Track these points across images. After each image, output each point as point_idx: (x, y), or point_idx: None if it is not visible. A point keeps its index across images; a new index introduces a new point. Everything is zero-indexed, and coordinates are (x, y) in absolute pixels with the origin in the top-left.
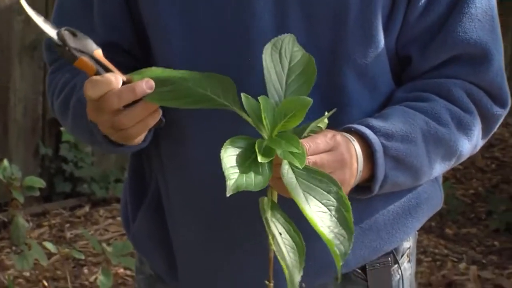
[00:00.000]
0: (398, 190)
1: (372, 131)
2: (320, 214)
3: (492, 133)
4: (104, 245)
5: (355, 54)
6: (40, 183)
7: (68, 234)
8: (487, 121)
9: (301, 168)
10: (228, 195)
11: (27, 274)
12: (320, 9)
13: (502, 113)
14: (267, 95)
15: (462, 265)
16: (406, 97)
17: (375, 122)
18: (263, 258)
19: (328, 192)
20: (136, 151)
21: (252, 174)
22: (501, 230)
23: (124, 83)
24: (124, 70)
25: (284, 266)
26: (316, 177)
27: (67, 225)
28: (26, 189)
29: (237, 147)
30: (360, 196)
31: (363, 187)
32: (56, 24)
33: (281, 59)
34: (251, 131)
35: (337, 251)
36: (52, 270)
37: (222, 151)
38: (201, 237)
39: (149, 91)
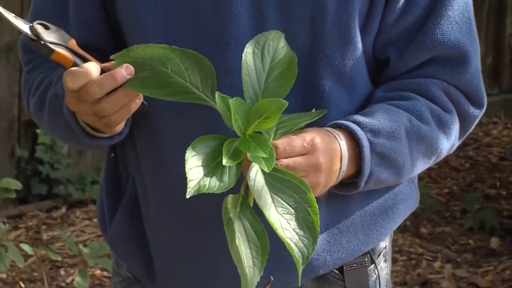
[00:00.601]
0: (379, 187)
1: (359, 126)
2: (286, 216)
3: (467, 134)
4: (80, 246)
5: (332, 56)
6: (16, 185)
7: (44, 236)
8: (464, 121)
9: (267, 172)
10: (187, 196)
11: (3, 276)
12: (297, 10)
13: (479, 114)
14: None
15: (437, 264)
16: (387, 96)
17: (362, 118)
18: None
19: (297, 194)
20: (111, 153)
21: (216, 176)
22: (475, 229)
23: (102, 70)
24: None
25: (239, 268)
26: (285, 178)
27: (44, 226)
28: (2, 191)
29: (206, 146)
30: (344, 193)
31: (348, 183)
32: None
33: (263, 56)
34: (228, 128)
35: (298, 255)
36: (29, 272)
37: (188, 151)
38: (179, 239)
39: (129, 77)
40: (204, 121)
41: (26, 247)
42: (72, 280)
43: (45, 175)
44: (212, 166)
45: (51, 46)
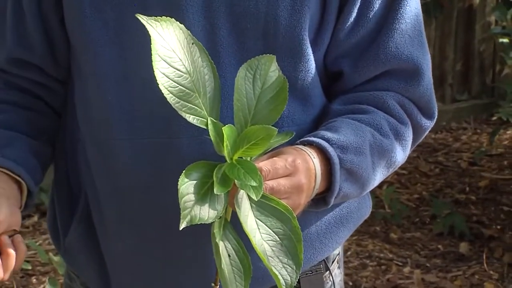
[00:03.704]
0: (343, 201)
1: (329, 143)
2: (270, 243)
3: (417, 144)
4: (51, 254)
5: (285, 68)
6: None
7: None
8: (416, 132)
9: (256, 200)
10: (181, 228)
11: None
12: (249, 23)
13: (430, 125)
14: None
15: (406, 269)
16: (345, 109)
17: (330, 134)
18: (200, 269)
19: (281, 221)
20: (60, 166)
21: (208, 204)
22: (444, 234)
23: None
24: (32, 86)
25: None
26: (270, 205)
27: None
28: None
29: (196, 173)
30: (313, 209)
31: (317, 200)
32: None
33: (255, 81)
34: (183, 143)
35: (282, 283)
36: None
37: (180, 179)
38: (135, 249)
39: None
40: (158, 137)
41: None
42: None
43: None
44: (201, 193)
45: None
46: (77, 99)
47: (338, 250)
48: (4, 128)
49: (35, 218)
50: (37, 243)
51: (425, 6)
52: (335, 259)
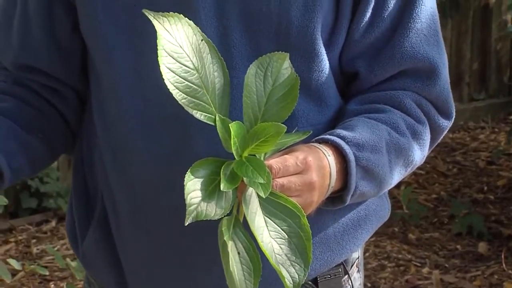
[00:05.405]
0: (361, 200)
1: (344, 141)
2: (278, 241)
3: (435, 144)
4: (68, 260)
5: (298, 68)
6: (2, 200)
7: (34, 250)
8: (434, 132)
9: (264, 197)
10: (186, 223)
11: None
12: (262, 23)
13: (448, 124)
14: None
15: (425, 270)
16: (361, 109)
17: (345, 132)
18: (218, 271)
19: (290, 219)
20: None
21: (214, 202)
22: (463, 234)
23: None
24: (40, 88)
25: None
26: (280, 202)
27: (34, 240)
28: None
29: (204, 169)
30: (330, 208)
31: (333, 198)
32: None
33: (265, 78)
34: (198, 146)
35: (289, 281)
36: (19, 286)
37: (186, 175)
38: (151, 254)
39: None
40: (174, 141)
41: (13, 262)
42: None
43: (35, 189)
44: (209, 190)
45: None
46: (94, 104)
47: (358, 253)
48: None
49: (53, 224)
50: (55, 248)
51: (441, 6)
52: (354, 262)
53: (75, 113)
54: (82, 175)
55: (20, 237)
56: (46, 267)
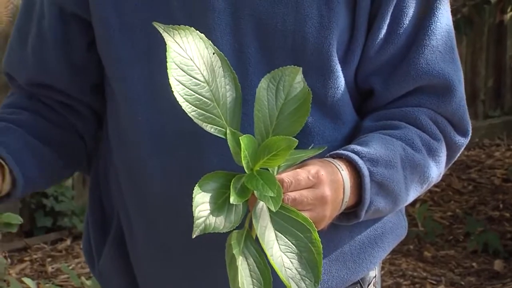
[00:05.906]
0: (376, 217)
1: (358, 156)
2: (289, 255)
3: (452, 162)
4: (83, 278)
5: (314, 85)
6: (17, 219)
7: (49, 268)
8: (450, 149)
9: (274, 211)
10: (193, 236)
11: None
12: (277, 40)
13: (464, 142)
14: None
15: (441, 287)
16: (377, 125)
17: (359, 148)
18: None
19: (301, 233)
20: (94, 190)
21: (223, 215)
22: (478, 251)
23: None
24: (56, 104)
25: None
26: (290, 216)
27: (49, 259)
28: (4, 226)
29: (213, 183)
30: (344, 223)
31: (348, 213)
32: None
33: (278, 92)
34: (212, 162)
35: None
36: None
37: (195, 188)
38: (165, 272)
39: None
40: (187, 157)
41: (28, 281)
42: None
43: (50, 207)
44: (219, 204)
45: None
46: (109, 121)
47: (375, 272)
48: (12, 123)
49: (68, 242)
50: (70, 267)
51: (455, 23)
52: (371, 281)
53: (91, 129)
54: (98, 194)
55: (35, 256)
56: (61, 286)
